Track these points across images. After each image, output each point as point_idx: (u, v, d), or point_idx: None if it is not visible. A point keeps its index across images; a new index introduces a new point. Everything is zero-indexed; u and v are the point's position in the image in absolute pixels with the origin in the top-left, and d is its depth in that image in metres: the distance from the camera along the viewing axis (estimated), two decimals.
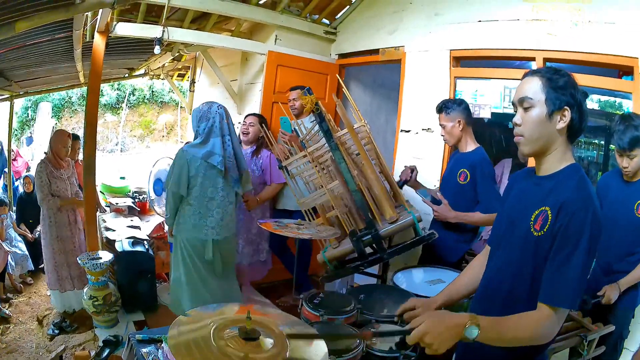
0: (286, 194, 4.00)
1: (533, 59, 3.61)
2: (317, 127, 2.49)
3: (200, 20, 4.61)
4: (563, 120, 1.36)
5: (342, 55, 5.06)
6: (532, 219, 1.39)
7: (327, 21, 5.04)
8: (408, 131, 4.23)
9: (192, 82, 6.83)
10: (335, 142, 2.36)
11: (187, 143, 3.19)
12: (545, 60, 3.53)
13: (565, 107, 1.35)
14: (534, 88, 1.38)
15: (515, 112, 1.44)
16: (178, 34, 4.07)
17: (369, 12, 4.74)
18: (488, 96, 3.97)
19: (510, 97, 3.94)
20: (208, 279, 3.02)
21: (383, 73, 5.34)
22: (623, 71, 3.24)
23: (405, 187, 3.16)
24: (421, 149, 4.08)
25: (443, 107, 2.92)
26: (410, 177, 3.07)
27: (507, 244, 1.50)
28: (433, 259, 2.87)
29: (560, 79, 1.36)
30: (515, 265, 1.43)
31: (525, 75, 1.45)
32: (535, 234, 1.37)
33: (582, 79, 3.55)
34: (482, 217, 2.75)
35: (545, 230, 1.34)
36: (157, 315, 3.71)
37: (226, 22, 4.96)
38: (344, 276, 2.55)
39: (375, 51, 4.61)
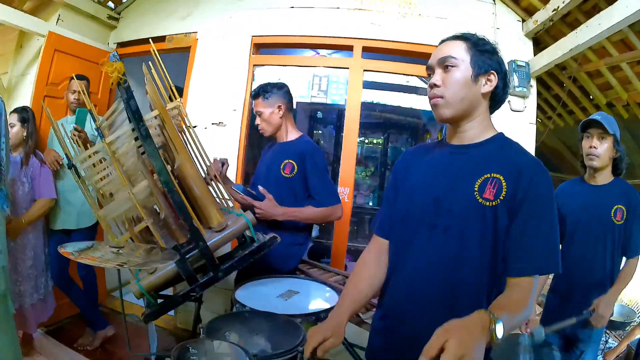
0: (64, 209, 3.22)
1: (351, 47, 3.58)
2: (120, 108, 1.81)
3: None
4: (489, 84, 1.31)
5: (122, 44, 4.34)
6: (476, 189, 1.25)
7: (112, 4, 4.29)
8: (194, 127, 3.79)
9: None
10: (147, 127, 1.72)
11: None
12: (365, 48, 3.57)
13: (492, 71, 1.30)
14: (458, 49, 1.30)
15: (430, 75, 1.34)
16: None
17: None
18: (293, 85, 3.85)
19: (321, 85, 3.81)
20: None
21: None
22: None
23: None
24: (212, 146, 3.64)
25: (260, 92, 2.53)
26: (220, 172, 2.54)
27: (441, 225, 1.30)
28: (261, 270, 2.36)
29: (487, 44, 1.32)
30: (471, 243, 1.25)
31: (445, 40, 1.37)
32: (487, 204, 1.23)
33: (408, 69, 3.66)
34: (315, 212, 2.43)
35: (501, 197, 1.22)
36: None
37: None
38: (173, 309, 1.90)
39: (162, 39, 4.03)
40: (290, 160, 2.47)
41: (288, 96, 2.59)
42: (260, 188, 2.41)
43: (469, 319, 0.99)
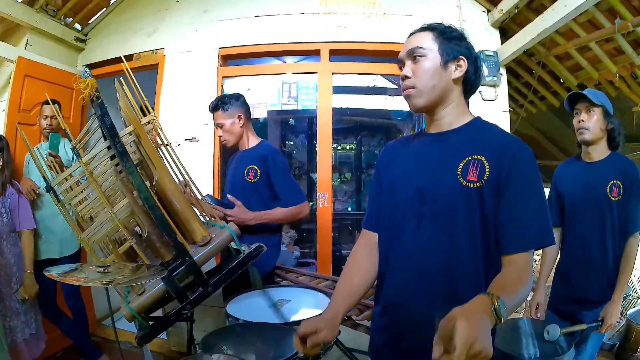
0: (45, 238, 3.13)
1: (318, 51, 3.61)
2: (93, 127, 1.76)
3: None
4: (459, 69, 1.33)
5: (90, 66, 4.22)
6: (458, 172, 1.26)
7: (79, 26, 4.24)
8: (168, 144, 3.77)
9: None
10: (123, 144, 1.68)
11: None
12: (332, 52, 3.60)
13: (461, 57, 1.33)
14: (426, 40, 1.33)
15: (402, 69, 1.37)
16: None
17: (127, 14, 4.12)
18: (263, 94, 3.87)
19: (290, 92, 3.84)
20: None
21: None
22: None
23: None
24: (187, 162, 3.63)
25: (219, 104, 2.65)
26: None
27: (428, 213, 1.30)
28: (240, 277, 2.28)
29: (454, 32, 1.35)
30: (460, 227, 1.26)
31: (413, 32, 1.39)
32: (472, 185, 1.25)
33: (376, 68, 3.70)
34: (284, 212, 2.51)
35: (485, 178, 1.23)
36: None
37: None
38: (165, 330, 1.84)
39: (130, 58, 3.98)
40: (253, 166, 2.56)
41: (245, 106, 2.68)
42: (229, 196, 2.48)
43: (470, 305, 0.96)
